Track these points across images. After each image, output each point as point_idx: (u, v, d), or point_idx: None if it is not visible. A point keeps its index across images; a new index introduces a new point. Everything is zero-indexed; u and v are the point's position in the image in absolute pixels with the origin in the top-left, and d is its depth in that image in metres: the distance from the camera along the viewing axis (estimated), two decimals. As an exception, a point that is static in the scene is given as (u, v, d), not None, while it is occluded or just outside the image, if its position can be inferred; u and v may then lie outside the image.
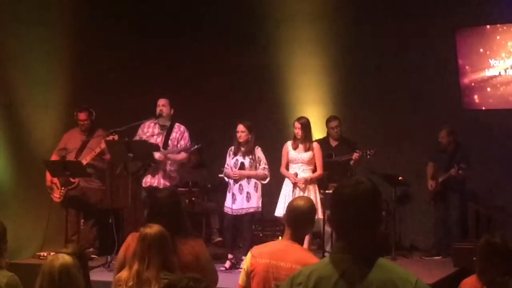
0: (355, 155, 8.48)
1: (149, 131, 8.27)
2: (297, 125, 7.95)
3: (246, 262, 3.96)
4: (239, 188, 7.91)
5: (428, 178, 8.94)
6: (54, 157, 8.40)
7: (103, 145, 8.09)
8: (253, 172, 7.93)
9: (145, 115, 8.34)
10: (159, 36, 10.04)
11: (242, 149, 7.95)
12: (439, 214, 8.96)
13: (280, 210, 7.82)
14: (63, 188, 8.21)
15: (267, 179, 7.98)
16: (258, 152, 7.96)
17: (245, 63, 10.13)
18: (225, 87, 10.27)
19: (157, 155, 7.99)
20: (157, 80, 9.85)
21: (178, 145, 8.16)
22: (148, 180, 8.12)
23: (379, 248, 2.45)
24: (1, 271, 4.36)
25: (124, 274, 4.04)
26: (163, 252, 4.00)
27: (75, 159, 8.23)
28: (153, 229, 4.07)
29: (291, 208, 4.00)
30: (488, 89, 9.36)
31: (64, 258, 3.60)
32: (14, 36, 8.45)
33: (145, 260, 3.95)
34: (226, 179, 8.09)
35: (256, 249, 4.01)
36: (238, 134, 7.90)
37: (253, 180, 7.93)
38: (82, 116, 8.45)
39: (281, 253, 3.85)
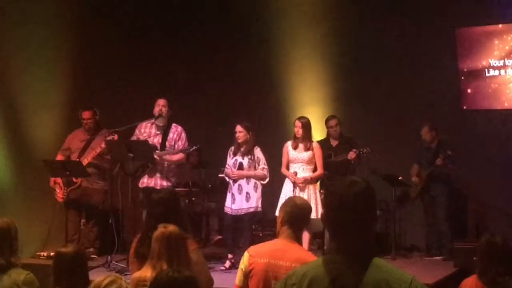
0: (351, 154, 8.47)
1: (146, 131, 8.23)
2: (298, 123, 7.95)
3: (244, 262, 3.91)
4: (239, 188, 7.91)
5: (412, 176, 8.91)
6: (59, 157, 8.39)
7: (104, 145, 8.05)
8: (252, 172, 7.93)
9: (145, 115, 8.33)
10: (159, 36, 10.04)
11: (242, 149, 7.95)
12: (429, 216, 8.95)
13: (280, 210, 7.80)
14: (66, 188, 8.21)
15: (267, 180, 7.97)
16: (258, 152, 7.97)
17: (246, 64, 10.13)
18: (225, 87, 10.27)
19: (152, 155, 7.99)
20: (157, 81, 9.85)
21: (176, 146, 8.12)
22: (145, 181, 8.08)
23: (374, 248, 2.42)
24: (17, 269, 4.35)
25: (147, 273, 3.94)
26: (187, 251, 4.00)
27: (78, 159, 8.22)
28: (172, 228, 4.01)
29: (294, 208, 3.93)
30: (488, 90, 9.35)
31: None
32: (14, 36, 8.46)
33: (174, 260, 3.90)
34: (227, 179, 8.10)
35: (253, 249, 3.97)
36: (237, 135, 7.91)
37: (252, 180, 7.93)
38: (86, 115, 8.42)
39: (280, 252, 3.83)
